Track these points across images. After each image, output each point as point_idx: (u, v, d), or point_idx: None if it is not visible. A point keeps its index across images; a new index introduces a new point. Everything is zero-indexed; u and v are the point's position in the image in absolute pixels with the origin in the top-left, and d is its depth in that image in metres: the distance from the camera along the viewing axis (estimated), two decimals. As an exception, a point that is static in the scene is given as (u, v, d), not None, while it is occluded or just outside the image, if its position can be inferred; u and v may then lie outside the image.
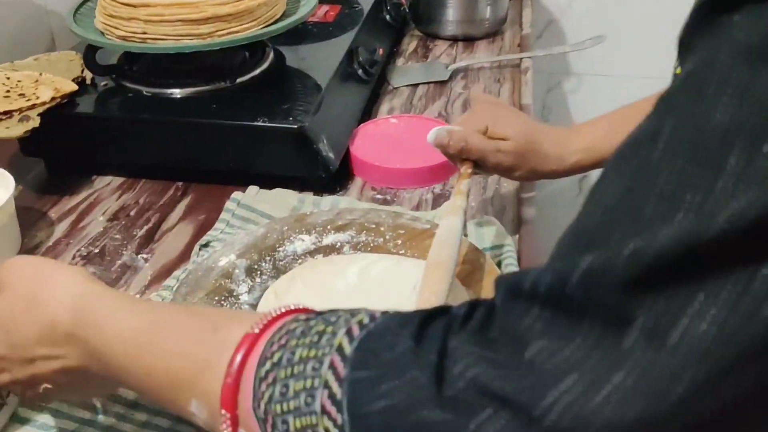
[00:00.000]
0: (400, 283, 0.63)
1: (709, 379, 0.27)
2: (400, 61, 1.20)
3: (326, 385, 0.33)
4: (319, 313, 0.39)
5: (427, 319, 0.34)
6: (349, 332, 0.35)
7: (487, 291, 0.64)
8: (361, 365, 0.33)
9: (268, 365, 0.36)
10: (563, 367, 0.28)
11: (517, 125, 0.72)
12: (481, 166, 0.72)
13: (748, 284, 0.27)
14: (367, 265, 0.66)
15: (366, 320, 0.36)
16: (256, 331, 0.39)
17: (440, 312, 0.35)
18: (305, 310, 0.41)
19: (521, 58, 1.16)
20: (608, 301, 0.28)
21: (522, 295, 0.31)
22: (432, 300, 0.54)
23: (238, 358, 0.38)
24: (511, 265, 0.70)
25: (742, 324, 0.27)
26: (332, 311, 0.38)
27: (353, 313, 0.37)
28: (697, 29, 0.31)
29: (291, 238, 0.72)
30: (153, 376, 0.42)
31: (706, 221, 0.27)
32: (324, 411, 0.33)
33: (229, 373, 0.38)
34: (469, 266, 0.66)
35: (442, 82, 1.11)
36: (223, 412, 0.38)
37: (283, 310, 0.40)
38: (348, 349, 0.34)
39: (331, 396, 0.33)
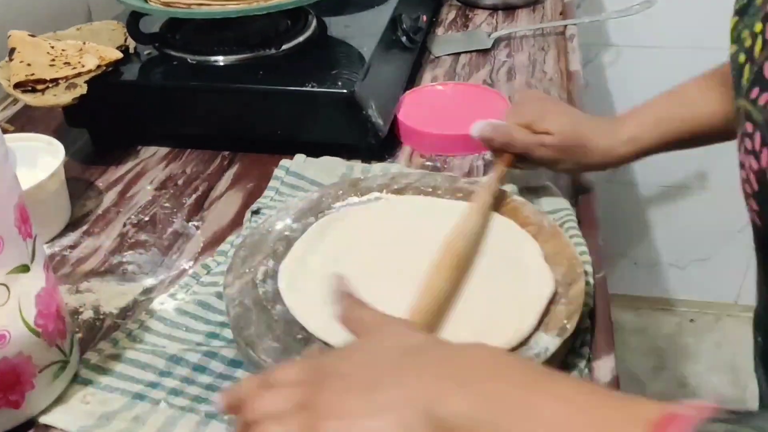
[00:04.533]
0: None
1: None
2: (439, 31, 1.18)
3: None
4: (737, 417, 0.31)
5: None
6: None
7: (556, 251, 0.62)
8: None
9: None
10: None
11: (562, 119, 0.71)
12: (523, 159, 0.71)
13: None
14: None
15: None
16: None
17: None
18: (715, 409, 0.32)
19: (565, 25, 1.14)
20: None
21: None
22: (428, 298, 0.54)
23: None
24: (572, 228, 0.68)
25: None
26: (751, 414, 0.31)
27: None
28: None
29: (346, 201, 0.70)
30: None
31: None
32: None
33: None
34: (534, 227, 0.65)
35: (485, 51, 1.09)
36: None
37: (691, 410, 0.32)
38: None
39: None
